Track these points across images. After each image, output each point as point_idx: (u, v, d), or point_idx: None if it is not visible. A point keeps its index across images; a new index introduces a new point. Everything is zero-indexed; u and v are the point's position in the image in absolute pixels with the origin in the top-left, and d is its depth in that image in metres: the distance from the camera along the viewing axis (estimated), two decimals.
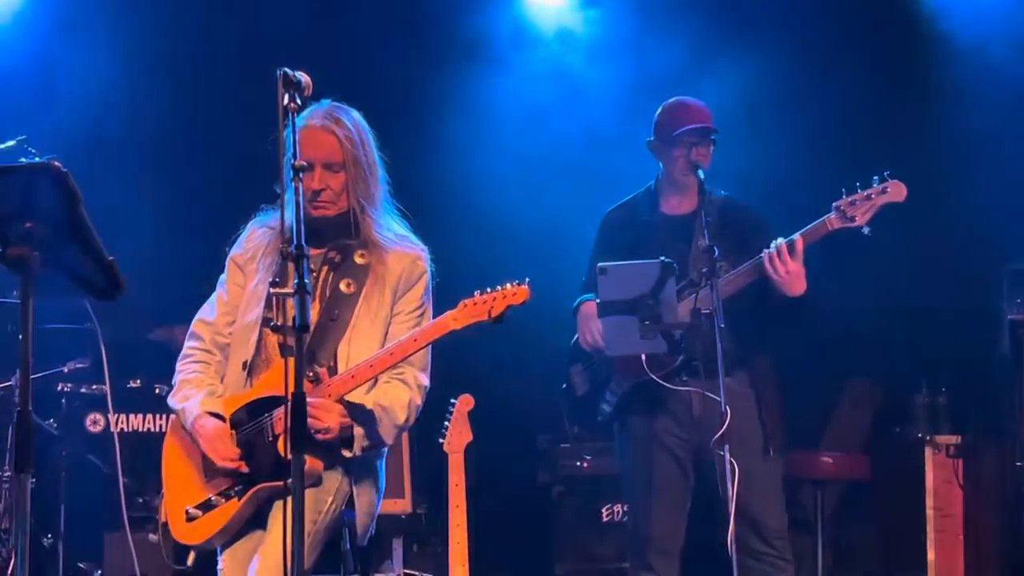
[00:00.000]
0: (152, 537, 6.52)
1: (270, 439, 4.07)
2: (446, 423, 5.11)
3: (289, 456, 3.90)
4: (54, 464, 6.83)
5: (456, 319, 3.99)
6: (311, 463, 4.00)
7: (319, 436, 3.97)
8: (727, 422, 4.88)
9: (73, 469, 6.87)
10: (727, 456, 4.89)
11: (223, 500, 4.13)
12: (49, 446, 6.81)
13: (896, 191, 5.15)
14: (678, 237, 5.12)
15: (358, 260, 4.21)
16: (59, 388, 6.95)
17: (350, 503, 4.20)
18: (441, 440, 5.11)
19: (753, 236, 5.34)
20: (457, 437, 5.10)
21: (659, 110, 5.53)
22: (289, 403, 3.39)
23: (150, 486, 6.81)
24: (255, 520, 4.15)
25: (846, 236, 5.18)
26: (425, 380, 4.26)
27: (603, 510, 7.18)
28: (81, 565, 6.92)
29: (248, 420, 4.12)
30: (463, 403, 5.14)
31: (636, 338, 5.04)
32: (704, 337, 4.96)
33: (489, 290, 4.00)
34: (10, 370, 6.68)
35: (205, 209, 7.05)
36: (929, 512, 7.07)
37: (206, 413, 4.14)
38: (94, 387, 6.95)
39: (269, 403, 4.08)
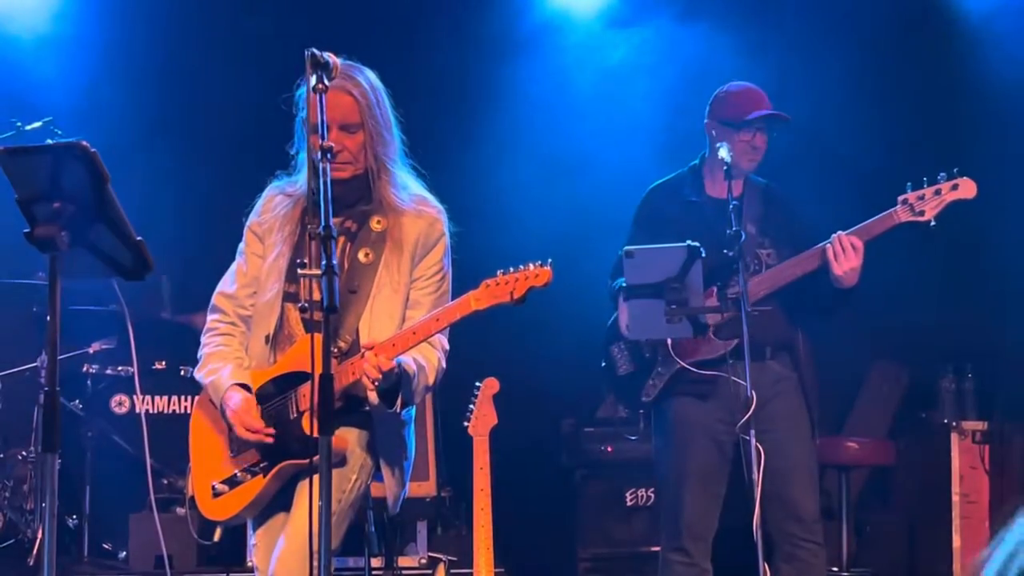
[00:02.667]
0: (180, 511, 6.55)
1: (294, 415, 4.05)
2: (471, 406, 5.12)
3: (314, 433, 3.92)
4: (79, 445, 6.86)
5: (479, 299, 3.92)
6: (338, 441, 3.98)
7: (371, 396, 3.96)
8: (753, 406, 4.88)
9: (98, 450, 6.90)
10: (752, 441, 4.89)
11: (249, 476, 4.12)
12: (74, 427, 6.83)
13: (966, 188, 5.09)
14: (726, 221, 5.07)
15: (375, 227, 4.15)
16: (84, 369, 6.97)
17: (379, 471, 4.17)
18: (466, 423, 5.12)
19: (797, 222, 5.36)
20: (482, 420, 5.11)
21: (724, 93, 5.44)
22: (315, 384, 3.37)
23: (174, 467, 6.83)
24: (283, 496, 4.14)
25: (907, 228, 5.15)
26: (447, 344, 4.23)
27: (627, 494, 7.17)
28: (106, 546, 6.95)
29: (273, 395, 4.10)
30: (488, 386, 5.14)
31: (662, 322, 5.02)
32: (748, 320, 4.94)
33: (512, 270, 3.93)
34: (35, 351, 6.71)
35: (227, 185, 7.07)
36: (955, 498, 7.06)
37: (234, 385, 4.10)
38: (119, 368, 6.97)
39: (294, 379, 4.05)
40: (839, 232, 5.11)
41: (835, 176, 6.64)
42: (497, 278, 3.93)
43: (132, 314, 5.73)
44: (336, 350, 4.02)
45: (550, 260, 3.94)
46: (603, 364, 5.55)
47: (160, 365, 7.10)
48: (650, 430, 5.58)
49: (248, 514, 4.17)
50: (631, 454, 7.08)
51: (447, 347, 4.23)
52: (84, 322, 6.78)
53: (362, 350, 3.95)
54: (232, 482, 4.14)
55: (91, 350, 6.94)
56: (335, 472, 3.98)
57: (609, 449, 7.27)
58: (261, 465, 4.10)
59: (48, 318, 3.36)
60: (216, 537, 4.39)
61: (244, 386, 4.12)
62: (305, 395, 3.99)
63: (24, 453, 6.81)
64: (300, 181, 4.16)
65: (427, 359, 4.11)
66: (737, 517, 5.08)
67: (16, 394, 6.84)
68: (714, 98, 5.46)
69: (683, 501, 5.33)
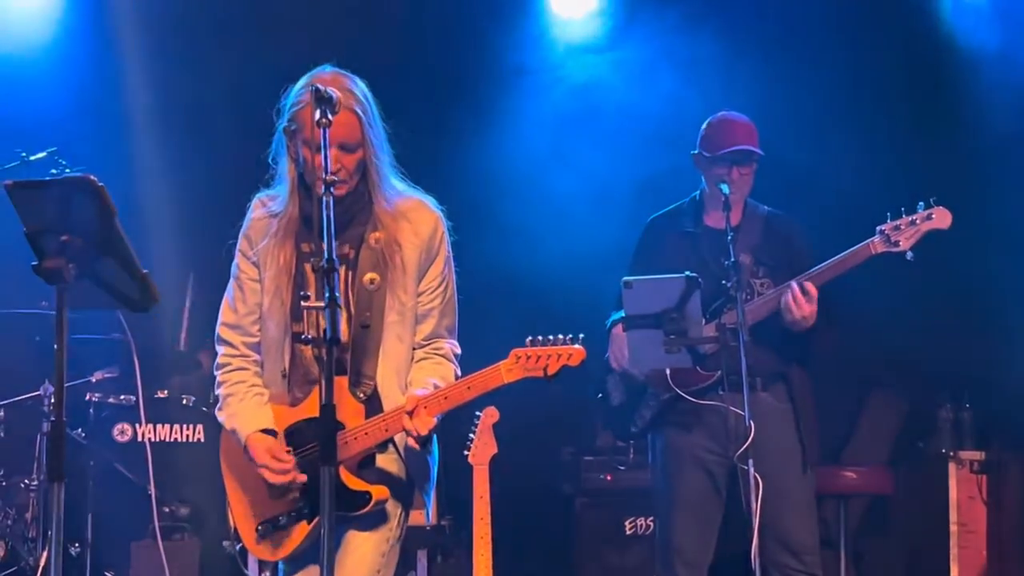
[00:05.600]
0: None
1: None
2: (471, 435, 5.14)
3: (353, 485, 3.98)
4: (81, 473, 6.85)
5: (510, 371, 3.93)
6: (379, 493, 3.99)
7: (409, 440, 3.97)
8: (751, 436, 4.90)
9: (100, 478, 6.90)
10: (751, 470, 4.91)
11: (293, 521, 4.06)
12: (77, 455, 6.83)
13: (941, 218, 5.16)
14: (720, 251, 5.12)
15: (373, 244, 4.07)
16: (87, 398, 6.98)
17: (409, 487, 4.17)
18: (466, 452, 5.14)
19: (796, 251, 5.40)
20: (482, 449, 5.13)
21: (705, 124, 5.53)
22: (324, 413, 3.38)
23: (176, 496, 6.85)
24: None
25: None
26: (459, 348, 4.22)
27: (627, 523, 7.18)
28: (108, 574, 6.95)
29: (304, 439, 4.03)
30: (488, 416, 5.16)
31: (661, 353, 5.05)
32: (736, 351, 4.96)
33: (541, 340, 3.92)
34: (37, 380, 6.72)
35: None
36: (952, 528, 7.07)
37: (257, 433, 4.04)
38: (121, 397, 6.98)
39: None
40: (793, 281, 5.17)
41: (816, 204, 6.68)
42: (528, 350, 3.92)
43: (136, 343, 5.77)
44: (362, 394, 4.02)
45: (582, 336, 3.94)
46: (599, 395, 5.61)
47: (162, 394, 7.13)
48: (640, 459, 5.62)
49: (297, 553, 4.10)
50: (630, 483, 7.11)
51: (459, 351, 4.22)
52: (86, 351, 6.80)
53: (402, 411, 3.93)
54: (276, 524, 4.08)
55: (93, 379, 6.95)
56: (380, 520, 4.05)
57: (608, 478, 7.29)
58: (304, 511, 4.05)
59: (55, 348, 3.39)
60: (266, 574, 4.38)
61: (267, 430, 4.06)
62: (338, 446, 3.87)
63: (27, 481, 6.82)
64: (283, 196, 4.08)
65: (444, 379, 4.10)
66: (734, 547, 5.10)
67: (19, 423, 6.85)
68: (702, 128, 5.53)
69: (674, 528, 5.37)
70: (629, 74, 7.78)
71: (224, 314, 4.21)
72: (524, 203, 7.62)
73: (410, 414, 3.91)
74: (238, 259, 4.19)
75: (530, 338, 3.94)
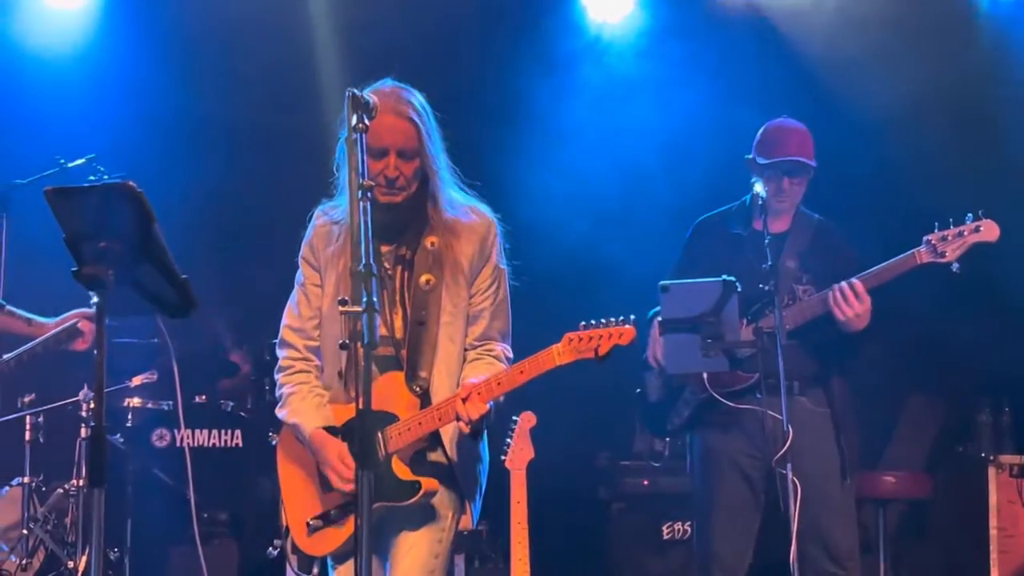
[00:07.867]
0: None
1: (383, 456, 4.06)
2: (508, 440, 5.14)
3: (403, 475, 4.03)
4: (120, 478, 6.89)
5: (562, 354, 3.98)
6: (428, 484, 4.04)
7: (461, 424, 4.01)
8: (789, 440, 4.89)
9: (139, 484, 6.93)
10: (789, 475, 4.89)
11: (343, 515, 4.13)
12: (115, 461, 6.86)
13: (989, 231, 5.13)
14: (766, 255, 5.10)
15: (429, 247, 4.18)
16: (125, 403, 7.02)
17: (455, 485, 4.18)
18: (503, 457, 5.14)
19: (843, 260, 5.37)
20: (519, 454, 5.12)
21: (761, 129, 5.51)
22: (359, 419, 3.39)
23: (215, 501, 6.88)
24: (375, 537, 4.12)
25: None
26: (511, 351, 4.27)
27: (664, 528, 7.18)
28: None
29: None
30: (525, 420, 5.16)
31: (698, 356, 5.04)
32: (773, 355, 4.95)
33: (594, 323, 3.98)
34: (76, 385, 6.76)
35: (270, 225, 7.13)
36: (992, 532, 7.02)
37: (319, 430, 4.13)
38: (160, 402, 7.01)
39: (380, 418, 4.05)
40: (844, 281, 5.15)
41: (864, 212, 6.65)
42: (580, 332, 3.98)
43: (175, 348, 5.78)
44: (418, 388, 4.09)
45: (633, 317, 3.98)
46: (638, 391, 5.60)
47: (201, 399, 7.16)
48: (677, 463, 5.59)
49: (343, 550, 4.16)
50: (668, 487, 7.10)
51: (511, 355, 4.27)
52: (125, 356, 6.84)
53: (456, 398, 3.99)
54: (327, 519, 4.16)
55: (132, 384, 6.99)
56: (430, 513, 4.10)
57: (646, 482, 7.28)
58: (353, 507, 4.06)
59: (95, 353, 3.41)
60: (315, 571, 4.38)
61: (329, 428, 4.13)
62: (392, 437, 4.05)
63: (66, 486, 6.86)
64: (343, 205, 4.13)
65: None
66: (772, 552, 5.08)
67: (58, 428, 6.90)
68: (758, 133, 5.51)
69: (713, 533, 5.36)
70: (676, 77, 7.77)
71: (288, 318, 4.34)
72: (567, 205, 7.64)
73: (464, 401, 3.97)
74: (302, 266, 4.31)
75: (583, 323, 4.00)
